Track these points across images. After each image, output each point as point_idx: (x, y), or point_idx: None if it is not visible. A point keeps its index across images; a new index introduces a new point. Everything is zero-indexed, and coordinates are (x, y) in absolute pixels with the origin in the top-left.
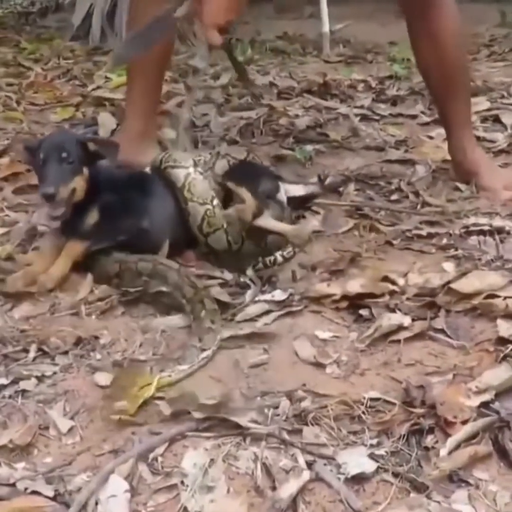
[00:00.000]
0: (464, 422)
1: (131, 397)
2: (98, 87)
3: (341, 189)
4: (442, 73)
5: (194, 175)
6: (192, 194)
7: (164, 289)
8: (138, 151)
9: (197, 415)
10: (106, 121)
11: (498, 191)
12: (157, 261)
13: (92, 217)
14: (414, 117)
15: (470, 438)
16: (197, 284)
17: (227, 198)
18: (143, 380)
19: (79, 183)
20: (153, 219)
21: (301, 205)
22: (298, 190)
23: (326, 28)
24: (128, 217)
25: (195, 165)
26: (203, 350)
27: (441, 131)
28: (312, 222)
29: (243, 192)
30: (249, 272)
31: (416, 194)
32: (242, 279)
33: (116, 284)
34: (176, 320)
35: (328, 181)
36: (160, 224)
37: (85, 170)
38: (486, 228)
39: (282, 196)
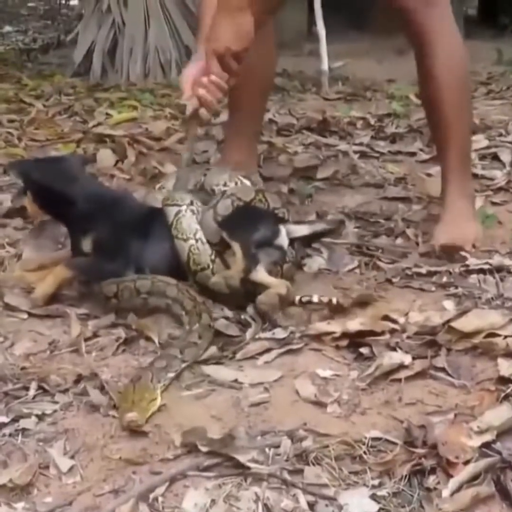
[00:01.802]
0: (466, 463)
1: (140, 409)
2: (99, 124)
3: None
4: (436, 113)
5: (183, 213)
6: (178, 231)
7: (162, 305)
8: None
9: (204, 449)
10: (106, 158)
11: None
12: (156, 278)
13: (86, 244)
14: (413, 154)
15: (472, 479)
16: (197, 298)
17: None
18: (150, 394)
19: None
20: (147, 260)
21: (306, 244)
22: (301, 230)
23: (325, 65)
24: (118, 258)
25: (191, 204)
26: (184, 361)
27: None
28: (316, 263)
29: (235, 248)
30: (250, 309)
31: (415, 231)
32: (242, 317)
33: (114, 304)
34: None
35: (327, 219)
36: (156, 265)
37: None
38: (485, 266)
39: (282, 240)
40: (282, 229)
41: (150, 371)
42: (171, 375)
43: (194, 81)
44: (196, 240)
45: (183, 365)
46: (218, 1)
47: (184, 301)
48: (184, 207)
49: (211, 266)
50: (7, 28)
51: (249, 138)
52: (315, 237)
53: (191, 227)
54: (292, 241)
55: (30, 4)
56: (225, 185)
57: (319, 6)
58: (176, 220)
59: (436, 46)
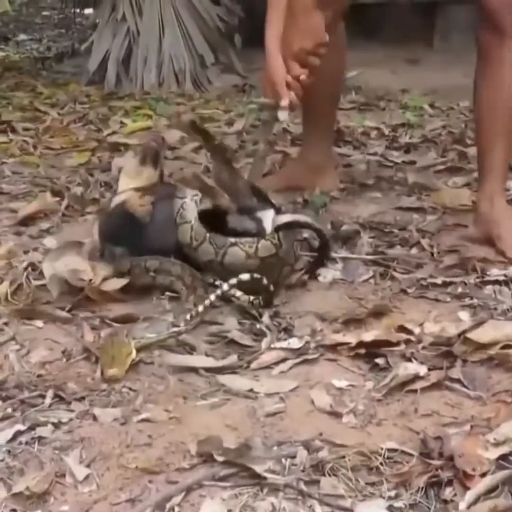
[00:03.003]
0: (483, 475)
1: (119, 364)
2: (114, 132)
3: (355, 238)
4: (492, 117)
5: (187, 203)
6: (182, 217)
7: (167, 282)
8: (317, 180)
9: (220, 458)
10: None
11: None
12: (164, 259)
13: None
14: (427, 164)
15: (489, 491)
16: (196, 275)
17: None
18: (126, 349)
19: None
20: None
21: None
22: (284, 219)
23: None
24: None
25: (195, 196)
26: (174, 325)
27: (455, 179)
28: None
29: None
30: (265, 319)
31: (430, 242)
32: (258, 326)
33: (127, 280)
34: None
35: (342, 229)
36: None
37: None
38: (501, 278)
39: (264, 216)
40: (271, 210)
41: (126, 329)
42: (152, 335)
43: (273, 80)
44: (196, 221)
45: (174, 329)
46: (286, 7)
47: (185, 278)
48: (188, 199)
49: (208, 236)
50: (22, 36)
51: (325, 140)
52: (294, 226)
53: (192, 213)
54: (277, 229)
55: (44, 13)
56: None
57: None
58: (181, 209)
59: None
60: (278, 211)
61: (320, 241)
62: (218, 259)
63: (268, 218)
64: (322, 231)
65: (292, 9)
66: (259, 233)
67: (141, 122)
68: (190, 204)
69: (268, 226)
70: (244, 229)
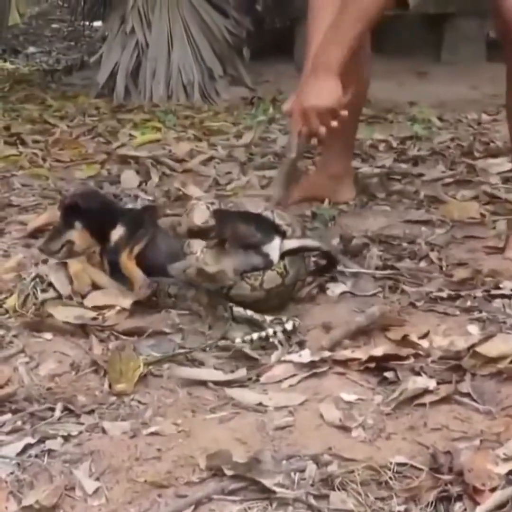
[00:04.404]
0: (493, 490)
1: (127, 379)
2: (123, 145)
3: (364, 251)
4: None
5: (199, 205)
6: (189, 246)
7: (185, 307)
8: (335, 191)
9: (229, 472)
10: (130, 179)
11: None
12: (182, 284)
13: None
14: (436, 177)
15: (499, 507)
16: (213, 294)
17: None
18: (134, 363)
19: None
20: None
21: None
22: (291, 244)
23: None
24: None
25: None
26: (182, 347)
27: (464, 191)
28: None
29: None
30: (279, 335)
31: (439, 255)
32: (271, 340)
33: (153, 301)
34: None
35: (352, 243)
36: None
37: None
38: (509, 292)
39: (270, 249)
40: (277, 239)
41: (133, 344)
42: (157, 354)
43: (298, 111)
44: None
45: (179, 350)
46: (311, 62)
47: (201, 298)
48: (200, 201)
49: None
50: (32, 49)
51: (345, 151)
52: (302, 251)
53: (199, 217)
54: (283, 254)
55: (54, 26)
56: None
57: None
58: (189, 210)
59: None
60: (284, 235)
61: (328, 262)
62: (224, 291)
63: (275, 250)
64: (331, 252)
65: (314, 67)
66: (267, 268)
67: (150, 134)
68: (201, 208)
69: (275, 258)
70: (251, 266)
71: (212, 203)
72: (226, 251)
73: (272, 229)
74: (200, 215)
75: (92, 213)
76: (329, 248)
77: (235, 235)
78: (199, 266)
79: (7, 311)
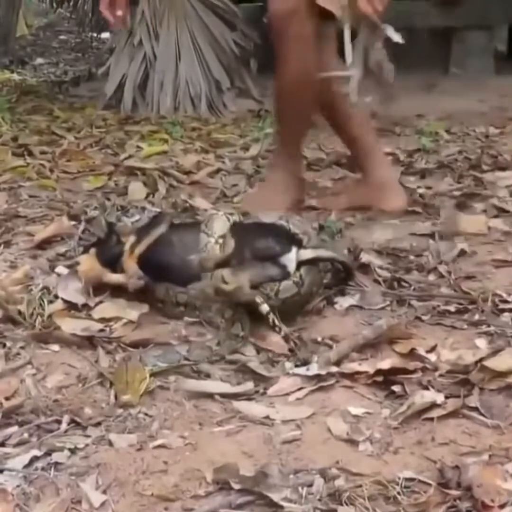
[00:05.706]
0: (502, 506)
1: (133, 391)
2: (130, 156)
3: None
4: None
5: (219, 215)
6: (207, 227)
7: (193, 316)
8: (383, 199)
9: (236, 486)
10: (137, 191)
11: None
12: (189, 292)
13: None
14: (443, 190)
15: None
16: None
17: None
18: (141, 374)
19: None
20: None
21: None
22: (307, 254)
23: (354, 100)
24: None
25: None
26: (187, 359)
27: (472, 204)
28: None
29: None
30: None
31: (447, 268)
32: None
33: (160, 308)
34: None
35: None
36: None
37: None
38: None
39: (287, 260)
40: (293, 250)
41: (139, 354)
42: (163, 365)
43: None
44: (216, 240)
45: (184, 361)
46: None
47: (225, 312)
48: (221, 212)
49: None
50: (39, 60)
51: (384, 160)
52: (318, 260)
53: (218, 228)
54: (299, 264)
55: (61, 37)
56: None
57: (348, 41)
58: (209, 220)
59: None
60: (300, 244)
61: (344, 272)
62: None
63: (292, 261)
64: (347, 262)
65: None
66: (284, 279)
67: (157, 146)
68: (221, 219)
69: (292, 269)
70: (269, 278)
71: (231, 214)
72: (243, 266)
73: (289, 239)
74: (221, 226)
75: None
76: (344, 258)
77: (253, 250)
78: (217, 285)
79: (14, 323)
